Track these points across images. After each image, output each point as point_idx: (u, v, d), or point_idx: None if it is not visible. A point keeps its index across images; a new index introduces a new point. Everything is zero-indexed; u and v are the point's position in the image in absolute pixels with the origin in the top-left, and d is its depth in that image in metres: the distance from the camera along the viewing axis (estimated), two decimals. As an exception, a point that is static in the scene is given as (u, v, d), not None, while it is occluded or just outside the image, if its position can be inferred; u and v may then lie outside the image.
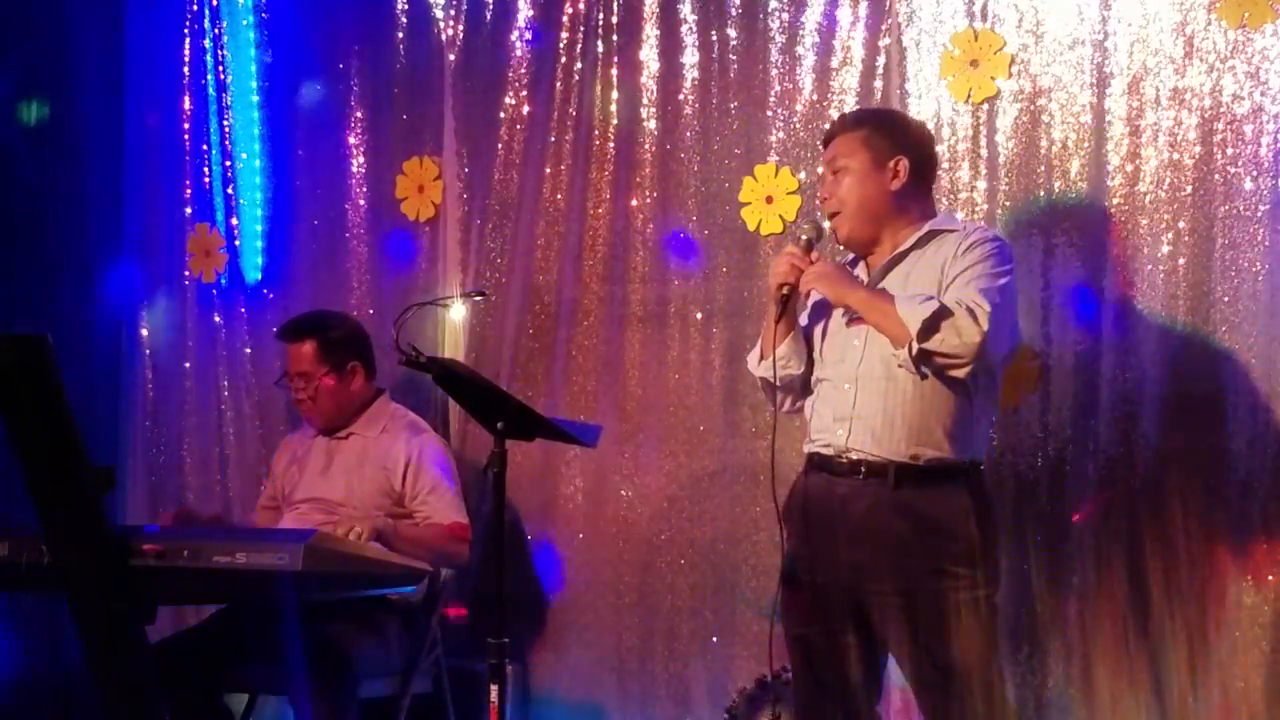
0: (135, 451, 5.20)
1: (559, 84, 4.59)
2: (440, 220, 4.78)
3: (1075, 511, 3.81)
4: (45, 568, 3.08)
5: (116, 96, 5.26)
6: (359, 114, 4.92)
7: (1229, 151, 3.72)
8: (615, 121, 4.52)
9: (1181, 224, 3.76)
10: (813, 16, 4.23)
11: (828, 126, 3.56)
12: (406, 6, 4.83)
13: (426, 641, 4.15)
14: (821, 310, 3.34)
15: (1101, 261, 3.84)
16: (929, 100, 4.03)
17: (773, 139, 4.29)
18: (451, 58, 4.77)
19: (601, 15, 4.53)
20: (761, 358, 3.37)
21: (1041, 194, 3.93)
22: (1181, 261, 3.75)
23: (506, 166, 4.67)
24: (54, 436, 2.88)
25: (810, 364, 3.34)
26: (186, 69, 5.16)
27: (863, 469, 3.17)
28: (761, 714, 4.02)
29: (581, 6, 4.56)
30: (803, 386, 3.36)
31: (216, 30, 5.12)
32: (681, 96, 4.43)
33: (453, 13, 4.76)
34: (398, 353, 3.26)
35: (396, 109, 4.86)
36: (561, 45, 4.59)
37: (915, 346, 3.02)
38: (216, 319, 5.11)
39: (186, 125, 5.16)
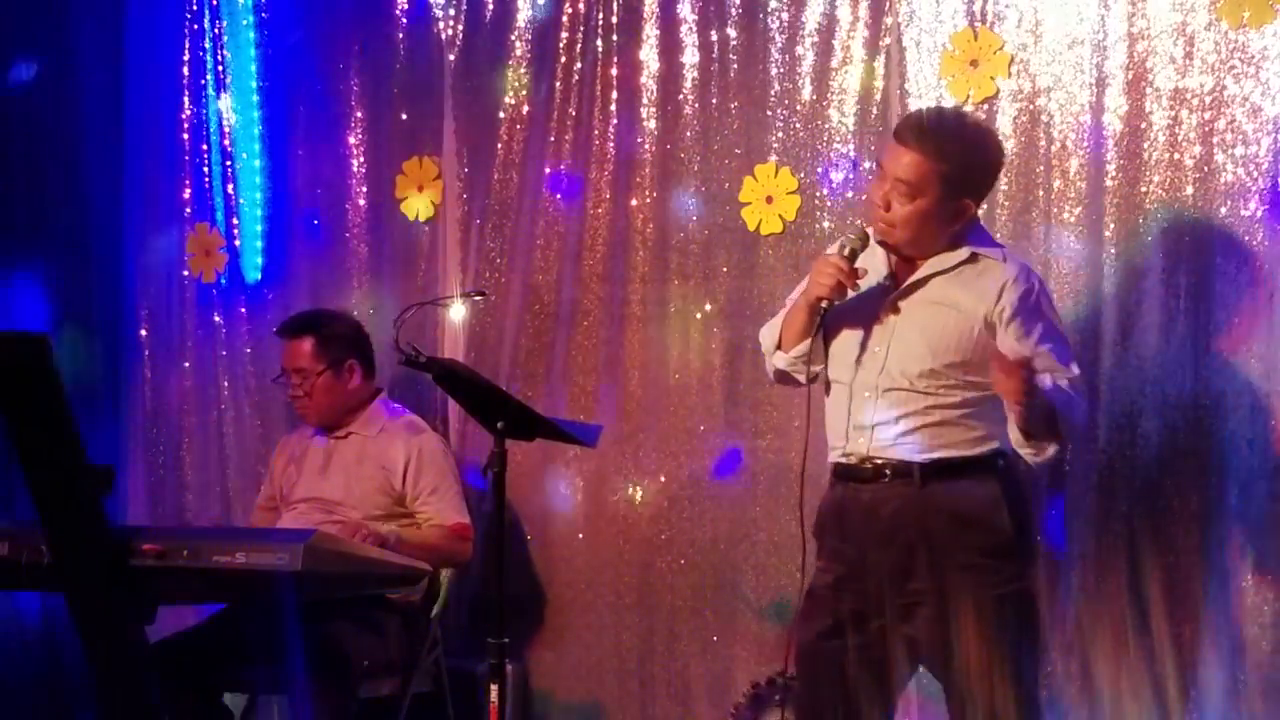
0: (135, 451, 5.20)
1: (559, 84, 4.59)
2: (440, 220, 4.78)
3: (1075, 512, 3.81)
4: (45, 568, 3.08)
5: (116, 96, 5.26)
6: (359, 114, 4.91)
7: (1229, 151, 3.72)
8: (615, 121, 4.52)
9: (1181, 224, 3.76)
10: (813, 16, 4.23)
11: (907, 120, 3.28)
12: (406, 6, 4.83)
13: (426, 641, 4.16)
14: (842, 309, 3.22)
15: (1101, 261, 3.83)
16: (929, 100, 4.03)
17: (773, 139, 4.29)
18: (451, 58, 4.77)
19: (601, 15, 4.53)
20: (779, 347, 3.32)
21: (1041, 194, 3.93)
22: (1181, 261, 3.75)
23: (506, 166, 4.67)
24: (54, 436, 2.88)
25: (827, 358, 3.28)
26: (186, 69, 5.16)
27: (888, 472, 3.13)
28: (768, 714, 4.01)
29: (581, 6, 4.56)
30: (815, 379, 3.30)
31: (216, 30, 5.11)
32: (681, 96, 4.43)
33: (453, 13, 4.76)
34: (398, 353, 3.26)
35: (396, 109, 4.86)
36: (561, 45, 4.59)
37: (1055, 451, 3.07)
38: (216, 319, 5.11)
39: (186, 125, 5.16)
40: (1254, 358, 3.66)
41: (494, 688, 3.20)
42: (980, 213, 3.90)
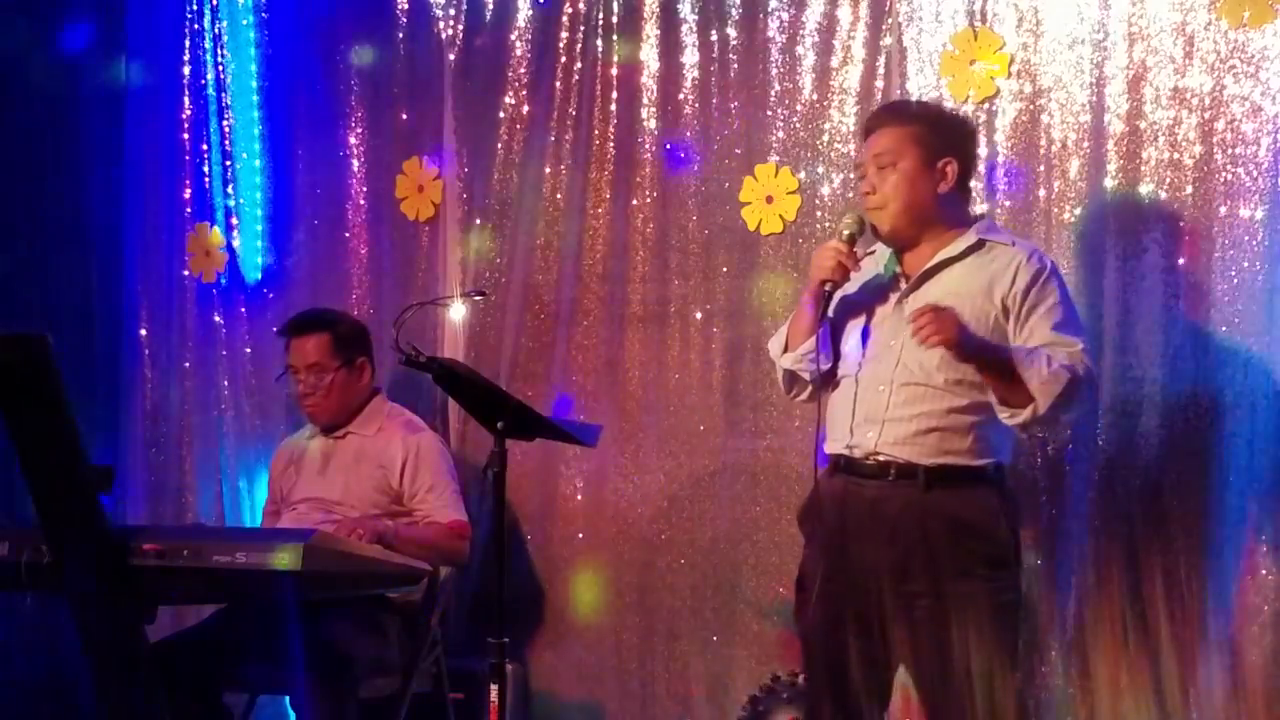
0: (135, 451, 5.20)
1: (559, 84, 4.59)
2: (440, 220, 4.78)
3: (1075, 512, 3.81)
4: (45, 568, 3.08)
5: (117, 96, 5.26)
6: (359, 114, 4.92)
7: (1229, 151, 3.72)
8: (615, 121, 4.52)
9: (1181, 224, 3.76)
10: (813, 16, 4.24)
11: (872, 112, 3.47)
12: (406, 6, 4.83)
13: (426, 641, 4.15)
14: (850, 306, 3.27)
15: (1101, 261, 3.84)
16: (929, 100, 4.03)
17: (773, 139, 4.29)
18: (451, 58, 4.77)
19: (601, 15, 4.53)
20: (786, 348, 3.33)
21: (1041, 194, 3.93)
22: (1181, 261, 3.75)
23: (506, 166, 4.67)
24: (54, 436, 2.88)
25: (835, 357, 3.28)
26: (186, 69, 5.16)
27: (892, 471, 3.13)
28: (782, 712, 4.00)
29: (581, 6, 4.56)
30: (824, 380, 3.31)
31: (216, 30, 5.11)
32: (681, 96, 4.43)
33: (453, 13, 4.77)
34: (398, 352, 3.26)
35: (396, 109, 4.86)
36: (561, 45, 4.59)
37: (1040, 413, 3.01)
38: (216, 319, 5.11)
39: (186, 125, 5.16)
40: (1254, 358, 3.66)
41: (494, 688, 3.19)
42: (980, 213, 3.93)
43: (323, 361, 4.24)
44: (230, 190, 5.10)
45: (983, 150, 3.97)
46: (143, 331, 5.23)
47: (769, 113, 4.29)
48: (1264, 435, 3.64)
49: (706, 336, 4.38)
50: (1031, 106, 3.95)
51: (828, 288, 3.16)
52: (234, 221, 5.10)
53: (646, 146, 4.47)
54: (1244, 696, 3.62)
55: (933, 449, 3.11)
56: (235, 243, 5.09)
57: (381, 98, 4.88)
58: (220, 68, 5.11)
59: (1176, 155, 3.78)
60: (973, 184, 3.94)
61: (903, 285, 3.23)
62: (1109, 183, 3.85)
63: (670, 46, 4.44)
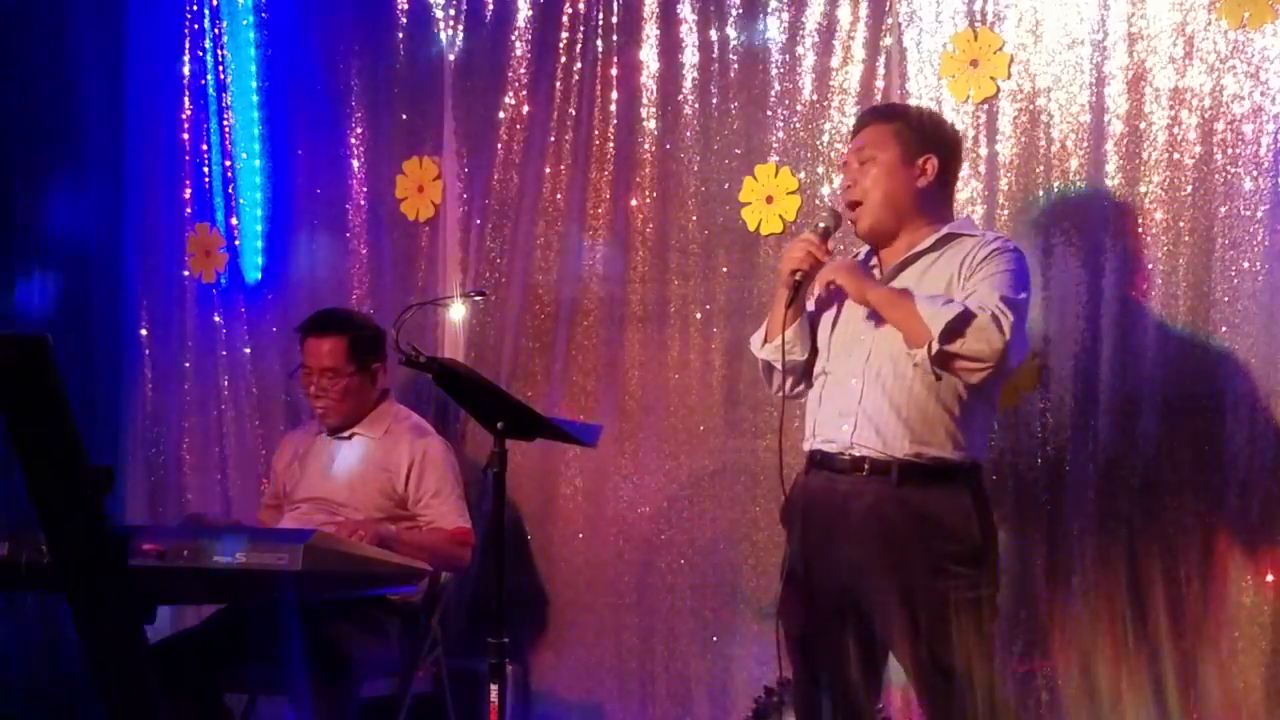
0: (135, 451, 5.20)
1: (559, 84, 4.59)
2: (440, 220, 4.78)
3: (1075, 512, 3.81)
4: (45, 568, 3.08)
5: (117, 96, 5.26)
6: (359, 114, 4.92)
7: (1229, 151, 3.72)
8: (615, 121, 4.52)
9: (1181, 224, 3.76)
10: (813, 16, 4.24)
11: (857, 114, 3.54)
12: (406, 6, 4.83)
13: (426, 641, 4.15)
14: (830, 301, 3.31)
15: (1101, 261, 3.84)
16: (929, 100, 4.03)
17: (773, 139, 4.29)
18: (451, 58, 4.77)
19: (601, 15, 4.53)
20: (766, 340, 3.35)
21: (1041, 194, 3.93)
22: (1181, 261, 3.75)
23: (506, 166, 4.67)
24: (54, 436, 2.87)
25: (814, 351, 3.32)
26: (186, 69, 5.16)
27: (866, 465, 3.15)
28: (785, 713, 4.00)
29: (581, 6, 4.56)
30: (804, 372, 3.34)
31: (216, 30, 5.12)
32: (681, 96, 4.43)
33: (453, 13, 4.77)
34: (398, 353, 3.26)
35: (396, 109, 4.86)
36: (561, 45, 4.59)
37: (935, 347, 3.00)
38: (216, 319, 5.11)
39: (186, 125, 5.16)
40: (1254, 358, 3.67)
41: (494, 688, 3.19)
42: (980, 213, 3.93)
43: (338, 366, 4.21)
44: (230, 190, 5.10)
45: (983, 150, 3.98)
46: (143, 332, 5.23)
47: (769, 113, 4.29)
48: (1264, 435, 3.63)
49: (706, 336, 4.38)
50: (1031, 106, 3.95)
51: (797, 277, 3.22)
52: (234, 222, 5.10)
53: (646, 146, 4.47)
54: (1244, 697, 3.62)
55: (906, 440, 3.12)
56: (235, 243, 5.09)
57: (381, 98, 4.88)
58: (220, 68, 5.11)
59: (1176, 155, 3.78)
60: (973, 184, 3.97)
61: (877, 277, 3.25)
62: (1109, 183, 3.85)
63: (670, 46, 4.44)
